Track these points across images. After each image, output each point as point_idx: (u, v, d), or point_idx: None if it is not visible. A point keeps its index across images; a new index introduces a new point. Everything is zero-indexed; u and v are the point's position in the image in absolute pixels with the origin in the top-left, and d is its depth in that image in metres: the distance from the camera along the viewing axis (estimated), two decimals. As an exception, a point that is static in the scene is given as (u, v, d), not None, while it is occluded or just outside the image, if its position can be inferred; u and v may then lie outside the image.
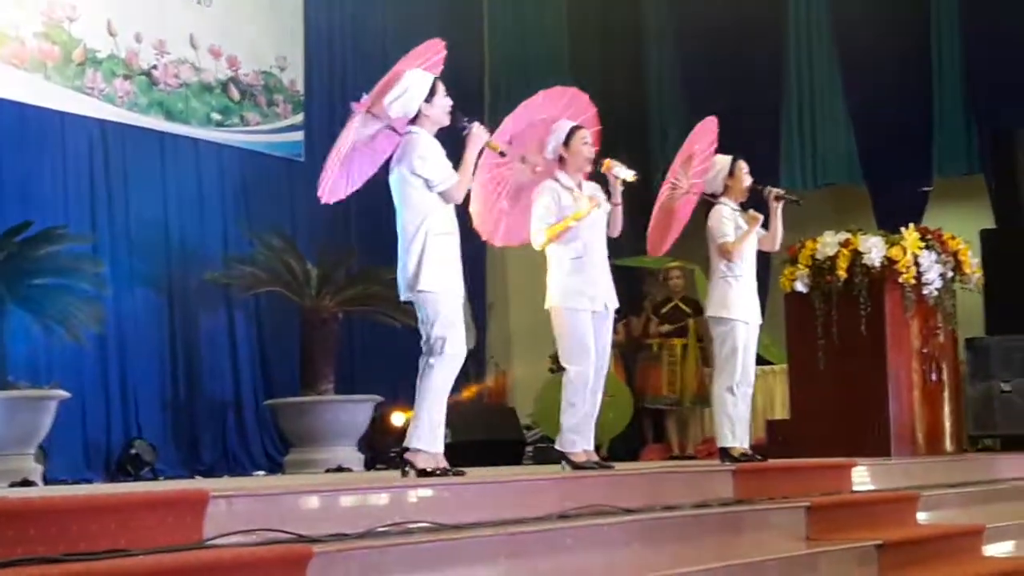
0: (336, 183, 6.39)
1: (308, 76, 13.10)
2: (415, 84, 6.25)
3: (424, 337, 6.16)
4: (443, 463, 6.09)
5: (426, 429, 6.09)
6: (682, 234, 8.27)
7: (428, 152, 6.17)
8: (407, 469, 6.03)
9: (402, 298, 6.27)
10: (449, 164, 6.23)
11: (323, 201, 6.46)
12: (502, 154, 6.52)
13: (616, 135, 14.28)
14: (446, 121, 6.34)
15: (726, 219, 8.11)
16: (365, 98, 6.33)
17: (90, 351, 10.44)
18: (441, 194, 6.17)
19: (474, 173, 6.50)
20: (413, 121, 6.28)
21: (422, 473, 5.94)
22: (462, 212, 6.51)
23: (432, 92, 6.27)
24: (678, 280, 12.46)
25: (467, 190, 6.34)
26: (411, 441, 6.09)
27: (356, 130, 6.31)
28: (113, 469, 10.82)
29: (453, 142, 6.37)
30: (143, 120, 11.64)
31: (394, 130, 6.38)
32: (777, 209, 8.27)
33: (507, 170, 7.21)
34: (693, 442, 12.34)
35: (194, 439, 11.73)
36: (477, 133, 6.31)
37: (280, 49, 12.94)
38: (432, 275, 6.10)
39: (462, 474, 5.95)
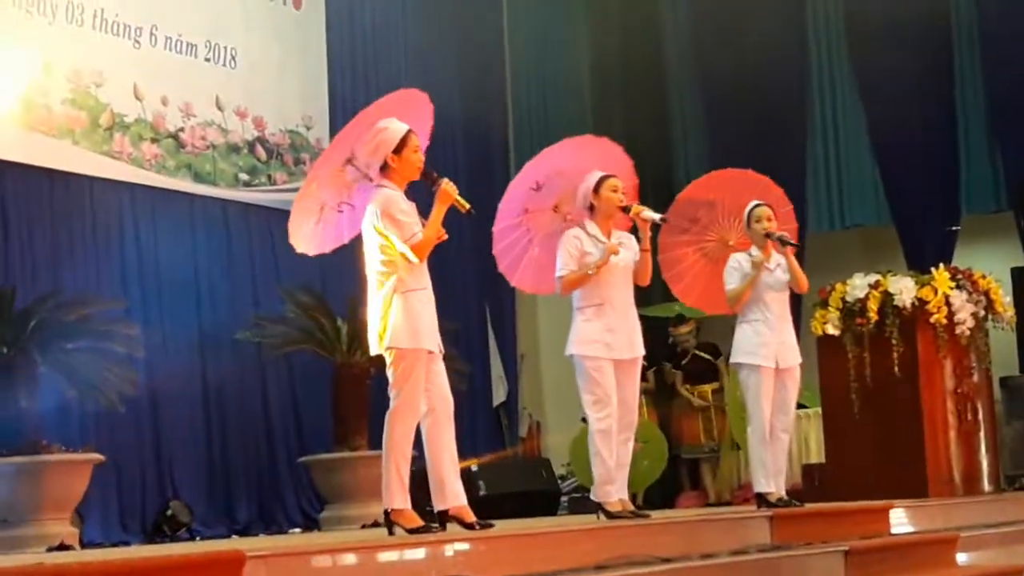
0: (317, 234, 6.44)
1: (333, 134, 13.14)
2: (386, 133, 6.21)
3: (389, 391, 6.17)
4: (469, 516, 6.09)
5: (395, 488, 6.10)
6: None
7: (394, 210, 6.11)
8: (393, 532, 6.04)
9: (374, 351, 6.26)
10: (417, 221, 6.17)
11: (299, 251, 6.51)
12: (470, 212, 6.34)
13: (642, 184, 14.39)
14: (415, 176, 6.27)
15: (733, 268, 8.13)
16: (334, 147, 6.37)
17: (124, 413, 10.45)
18: (403, 254, 6.12)
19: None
20: (383, 173, 6.22)
21: (410, 532, 5.93)
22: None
23: (403, 144, 6.21)
24: (689, 340, 12.58)
25: (431, 248, 6.19)
26: (389, 502, 6.10)
27: (331, 178, 6.33)
28: (150, 531, 10.82)
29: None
30: (171, 183, 11.70)
31: (369, 179, 6.32)
32: (788, 252, 8.21)
33: (539, 217, 7.24)
34: (729, 488, 12.28)
35: (229, 498, 11.73)
36: (445, 190, 6.21)
37: (305, 108, 13.02)
38: (398, 333, 6.08)
39: (491, 526, 5.94)
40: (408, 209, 6.18)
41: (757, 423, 8.01)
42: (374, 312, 6.17)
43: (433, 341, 6.21)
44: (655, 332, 13.49)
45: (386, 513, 6.12)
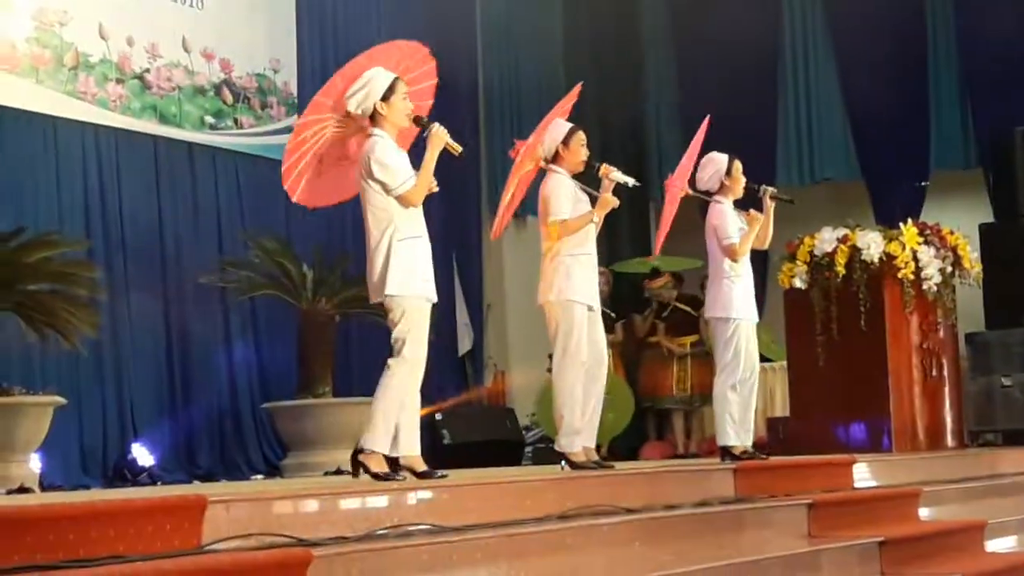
0: (318, 187, 6.43)
1: (301, 79, 13.05)
2: (373, 81, 6.22)
3: (391, 339, 6.15)
4: (420, 465, 6.06)
5: (380, 431, 6.04)
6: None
7: (385, 156, 6.12)
8: (359, 471, 6.01)
9: (371, 301, 6.25)
10: (409, 167, 6.18)
11: (296, 200, 6.54)
12: (461, 155, 6.39)
13: (613, 138, 14.37)
14: (405, 123, 6.30)
15: (730, 219, 8.09)
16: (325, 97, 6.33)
17: (85, 356, 10.38)
18: (398, 199, 6.12)
19: None
20: (373, 122, 6.23)
21: (375, 476, 5.91)
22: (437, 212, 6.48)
23: (390, 91, 6.22)
24: (671, 292, 12.56)
25: (426, 193, 6.23)
26: (364, 442, 6.05)
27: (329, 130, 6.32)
28: (110, 475, 10.77)
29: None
30: (136, 124, 11.58)
31: (361, 130, 6.34)
32: (771, 208, 8.25)
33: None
34: (695, 441, 12.32)
35: (191, 444, 11.68)
36: (436, 134, 6.23)
37: (273, 51, 12.89)
38: (396, 280, 6.07)
39: (444, 476, 5.94)
40: (399, 155, 6.18)
41: (728, 375, 8.00)
42: (372, 260, 6.14)
43: (431, 290, 6.22)
44: (625, 286, 13.54)
45: (356, 452, 6.07)
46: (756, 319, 8.20)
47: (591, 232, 7.15)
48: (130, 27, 11.58)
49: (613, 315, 12.08)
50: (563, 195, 7.08)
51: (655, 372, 12.50)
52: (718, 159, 8.17)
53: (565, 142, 7.15)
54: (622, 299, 13.28)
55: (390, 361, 6.10)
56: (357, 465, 6.06)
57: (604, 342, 7.23)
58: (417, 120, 6.32)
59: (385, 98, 6.20)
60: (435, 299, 6.26)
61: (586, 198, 7.17)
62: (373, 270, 6.14)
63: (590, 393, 7.10)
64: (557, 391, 7.06)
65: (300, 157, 6.45)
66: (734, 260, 8.05)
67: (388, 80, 6.24)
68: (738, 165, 8.19)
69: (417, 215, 6.22)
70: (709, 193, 8.21)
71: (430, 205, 6.50)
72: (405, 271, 6.09)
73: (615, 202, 7.15)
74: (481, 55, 15.07)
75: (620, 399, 11.83)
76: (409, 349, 6.08)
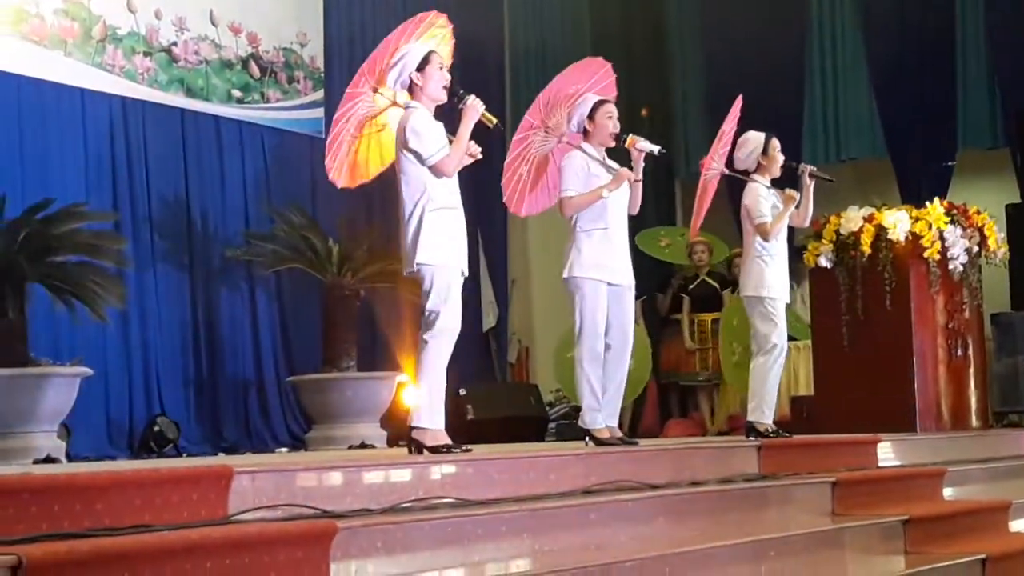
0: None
1: (328, 53, 13.07)
2: (408, 54, 6.25)
3: (423, 312, 6.16)
4: (445, 439, 6.06)
5: (427, 406, 6.06)
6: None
7: (420, 126, 6.13)
8: (414, 448, 6.02)
9: (407, 271, 6.25)
10: (444, 138, 6.19)
11: (340, 186, 6.59)
12: (497, 126, 6.43)
13: (639, 119, 14.33)
14: (442, 96, 6.30)
15: (763, 199, 8.07)
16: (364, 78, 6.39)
17: (112, 328, 10.43)
18: (432, 168, 6.12)
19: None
20: (411, 95, 6.27)
21: (432, 451, 5.92)
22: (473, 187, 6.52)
23: (425, 62, 6.23)
24: (703, 255, 12.39)
25: (460, 165, 6.25)
26: (415, 419, 6.07)
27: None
28: (136, 446, 10.83)
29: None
30: (163, 97, 11.63)
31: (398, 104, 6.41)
32: (810, 187, 8.24)
33: (532, 139, 7.20)
34: (720, 417, 12.29)
35: (216, 416, 11.74)
36: (472, 105, 6.24)
37: (300, 26, 12.91)
38: (428, 249, 6.07)
39: (469, 451, 5.93)
40: (433, 126, 6.18)
41: (764, 354, 8.00)
42: (404, 230, 6.14)
43: (464, 262, 6.21)
44: (647, 263, 13.50)
45: (410, 430, 6.08)
46: (788, 299, 8.19)
47: (610, 205, 7.03)
48: (158, 0, 11.60)
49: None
50: (573, 170, 7.04)
51: (674, 349, 12.46)
52: (754, 138, 8.15)
53: (591, 116, 7.13)
54: (644, 276, 13.24)
55: (426, 336, 6.07)
56: (412, 442, 6.06)
57: (630, 321, 7.18)
58: (451, 91, 6.30)
59: (420, 68, 6.22)
60: (467, 272, 6.26)
61: (602, 172, 7.08)
62: (405, 240, 6.14)
63: (613, 372, 7.08)
64: (576, 368, 7.05)
65: (339, 145, 6.50)
66: (765, 239, 8.03)
67: (423, 51, 6.26)
68: (775, 144, 8.16)
69: (451, 187, 6.21)
70: (747, 172, 8.19)
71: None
72: (437, 240, 6.08)
73: (629, 175, 7.04)
74: (508, 30, 15.05)
75: (635, 374, 11.72)
76: (444, 320, 6.07)
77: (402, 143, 6.15)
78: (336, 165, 6.54)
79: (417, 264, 6.09)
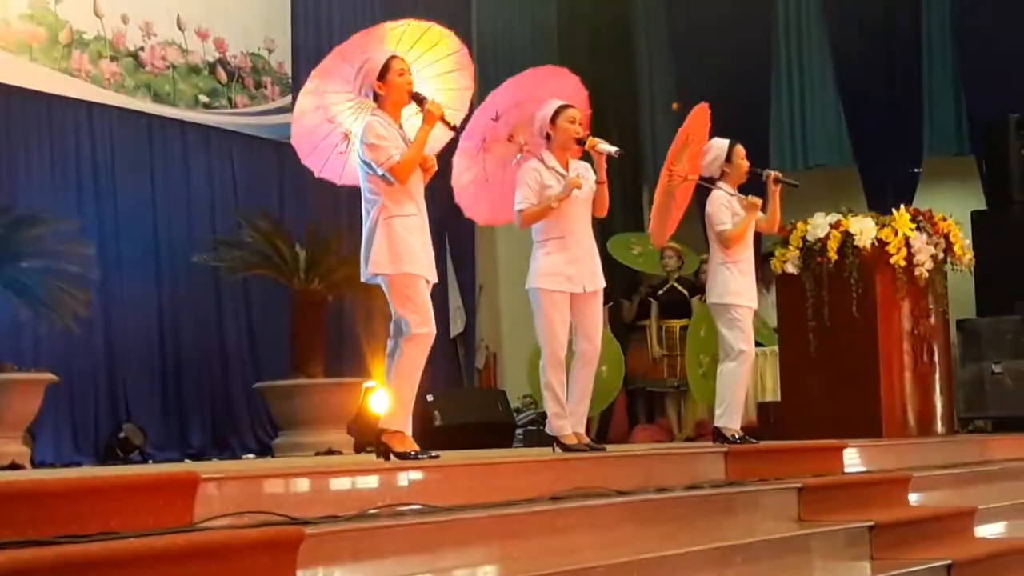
0: (348, 164, 6.49)
1: (295, 58, 13.04)
2: (369, 63, 6.25)
3: (392, 319, 6.16)
4: (413, 445, 6.06)
5: (398, 411, 6.08)
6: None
7: (372, 136, 6.12)
8: (381, 454, 6.02)
9: (362, 279, 6.25)
10: (397, 145, 6.15)
11: (320, 175, 6.63)
12: (454, 128, 6.46)
13: (606, 122, 14.34)
14: (405, 101, 6.29)
15: (724, 206, 8.05)
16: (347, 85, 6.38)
17: (78, 334, 10.38)
18: (383, 177, 6.12)
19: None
20: (377, 103, 6.27)
21: (399, 456, 5.91)
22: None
23: (386, 70, 6.23)
24: (670, 260, 12.42)
25: (413, 171, 6.19)
26: (384, 423, 6.09)
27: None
28: (102, 453, 10.78)
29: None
30: (130, 102, 11.58)
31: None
32: (776, 192, 8.24)
33: (495, 148, 7.19)
34: (688, 424, 12.32)
35: (183, 422, 11.69)
36: (430, 110, 6.23)
37: (268, 31, 12.88)
38: (387, 257, 6.07)
39: (436, 457, 5.93)
40: (387, 134, 6.15)
41: (731, 360, 8.00)
42: (364, 239, 6.16)
43: (423, 267, 6.18)
44: (614, 272, 13.51)
45: (379, 433, 6.09)
46: (755, 305, 8.18)
47: (567, 214, 6.93)
48: (124, 5, 11.57)
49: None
50: (525, 182, 6.98)
51: (640, 355, 12.49)
52: (717, 145, 8.15)
53: (553, 120, 7.10)
54: (612, 282, 13.24)
55: (397, 340, 6.09)
56: (381, 447, 6.06)
57: (596, 326, 7.16)
58: (415, 96, 6.28)
59: (381, 77, 6.22)
60: (433, 279, 6.25)
61: (555, 182, 6.95)
62: (362, 249, 6.16)
63: (578, 377, 7.07)
64: (542, 375, 7.04)
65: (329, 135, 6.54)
66: (727, 247, 8.03)
67: (383, 59, 6.25)
68: (739, 150, 8.15)
69: (408, 193, 6.18)
70: (713, 180, 8.19)
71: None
72: (391, 248, 6.07)
73: (577, 183, 6.97)
74: (476, 33, 15.03)
75: (607, 382, 11.79)
76: (411, 327, 6.07)
77: (358, 153, 6.18)
78: (317, 153, 6.53)
79: (371, 273, 6.11)
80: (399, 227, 6.13)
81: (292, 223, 12.11)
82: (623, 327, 12.81)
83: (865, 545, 6.61)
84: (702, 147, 8.10)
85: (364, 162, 6.15)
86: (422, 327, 6.11)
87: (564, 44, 14.52)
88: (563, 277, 6.96)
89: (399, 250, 6.10)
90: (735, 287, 8.02)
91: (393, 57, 6.28)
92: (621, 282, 13.09)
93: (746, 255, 8.10)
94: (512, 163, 7.16)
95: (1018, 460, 9.31)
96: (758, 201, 8.13)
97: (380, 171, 6.11)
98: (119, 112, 11.51)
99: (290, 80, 12.93)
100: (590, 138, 7.09)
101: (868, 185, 13.42)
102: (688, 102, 8.38)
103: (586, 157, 7.20)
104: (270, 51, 12.88)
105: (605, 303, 12.37)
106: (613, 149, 7.11)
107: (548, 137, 7.09)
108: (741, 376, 8.05)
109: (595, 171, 7.07)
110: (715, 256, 8.11)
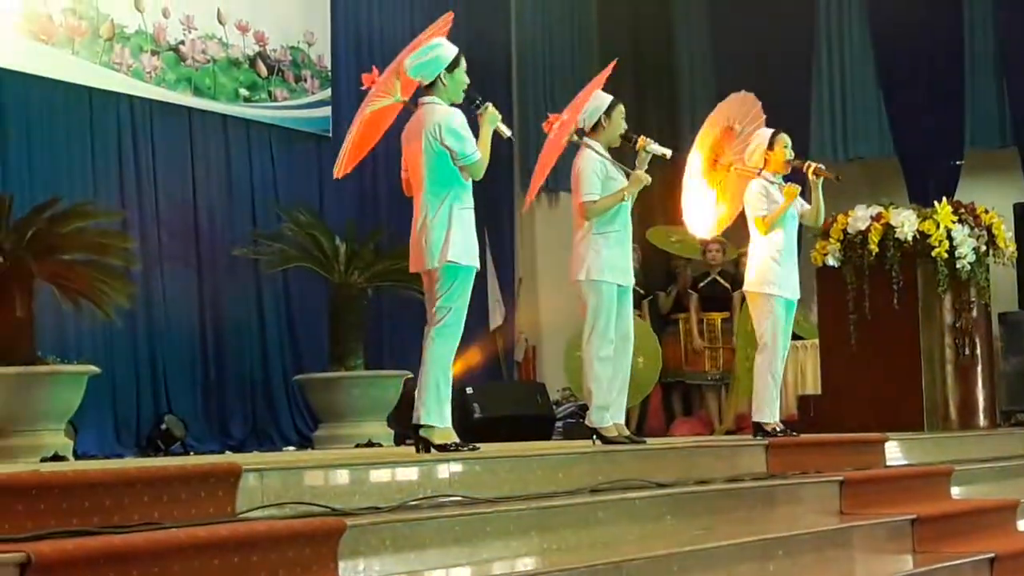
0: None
1: (335, 52, 13.05)
2: (442, 50, 6.25)
3: (432, 309, 6.15)
4: (453, 437, 6.03)
5: (434, 403, 6.03)
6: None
7: (461, 127, 6.14)
8: (422, 447, 5.99)
9: (412, 269, 6.26)
10: (475, 139, 6.20)
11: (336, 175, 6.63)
12: (509, 139, 6.47)
13: (647, 113, 14.32)
14: (459, 98, 6.29)
15: (760, 193, 8.04)
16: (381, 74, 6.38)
17: (120, 327, 10.42)
18: (463, 168, 6.13)
19: None
20: (430, 90, 6.25)
21: (440, 448, 5.90)
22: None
23: (455, 64, 6.25)
24: (716, 254, 12.39)
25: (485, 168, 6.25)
26: (422, 417, 6.03)
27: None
28: (143, 445, 10.83)
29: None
30: (171, 96, 11.61)
31: (406, 104, 6.38)
32: (818, 184, 8.20)
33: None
34: (726, 417, 12.28)
35: (224, 415, 11.73)
36: (493, 112, 6.27)
37: (307, 24, 12.89)
38: (457, 247, 6.08)
39: (476, 449, 5.91)
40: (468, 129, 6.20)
41: (769, 352, 7.97)
42: (428, 228, 6.11)
43: (478, 260, 6.24)
44: (649, 265, 13.49)
45: (416, 428, 6.05)
46: (793, 296, 8.13)
47: (623, 208, 7.09)
48: (165, -1, 11.62)
49: (641, 292, 12.02)
50: (594, 174, 7.03)
51: (677, 349, 12.45)
52: (762, 134, 8.14)
53: (608, 112, 7.12)
54: (651, 274, 13.24)
55: (432, 331, 6.08)
56: (419, 440, 6.03)
57: (631, 318, 7.19)
58: (469, 98, 6.29)
59: (450, 68, 6.23)
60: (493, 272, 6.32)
61: (618, 175, 7.10)
62: (428, 237, 6.11)
63: (617, 368, 7.09)
64: (586, 368, 7.04)
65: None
66: (762, 234, 8.01)
67: (455, 51, 6.27)
68: (782, 139, 8.12)
69: (469, 187, 6.23)
70: (759, 170, 8.16)
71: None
72: (464, 240, 6.11)
73: (647, 179, 7.07)
74: (515, 30, 15.02)
75: (644, 374, 11.73)
76: (454, 317, 6.09)
77: (436, 139, 6.12)
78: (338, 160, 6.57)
79: (447, 261, 6.07)
80: (468, 219, 6.17)
81: (332, 216, 12.13)
82: (659, 320, 12.78)
83: (907, 538, 6.59)
84: (751, 137, 8.11)
85: (444, 150, 6.12)
86: (461, 321, 6.13)
87: (604, 43, 14.46)
88: (620, 271, 7.01)
89: (469, 243, 6.15)
90: (774, 276, 7.99)
91: (462, 54, 6.31)
92: (658, 276, 13.07)
93: (788, 245, 8.06)
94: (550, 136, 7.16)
95: (1061, 453, 9.26)
96: (796, 188, 8.09)
97: (467, 162, 6.12)
98: (160, 106, 11.55)
99: (330, 73, 12.95)
100: (641, 138, 7.13)
101: (909, 177, 13.35)
102: (729, 93, 8.38)
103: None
104: (310, 44, 12.89)
105: (644, 296, 12.48)
106: (667, 152, 7.14)
107: (596, 127, 7.11)
108: (762, 368, 8.00)
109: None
110: (755, 245, 8.10)
